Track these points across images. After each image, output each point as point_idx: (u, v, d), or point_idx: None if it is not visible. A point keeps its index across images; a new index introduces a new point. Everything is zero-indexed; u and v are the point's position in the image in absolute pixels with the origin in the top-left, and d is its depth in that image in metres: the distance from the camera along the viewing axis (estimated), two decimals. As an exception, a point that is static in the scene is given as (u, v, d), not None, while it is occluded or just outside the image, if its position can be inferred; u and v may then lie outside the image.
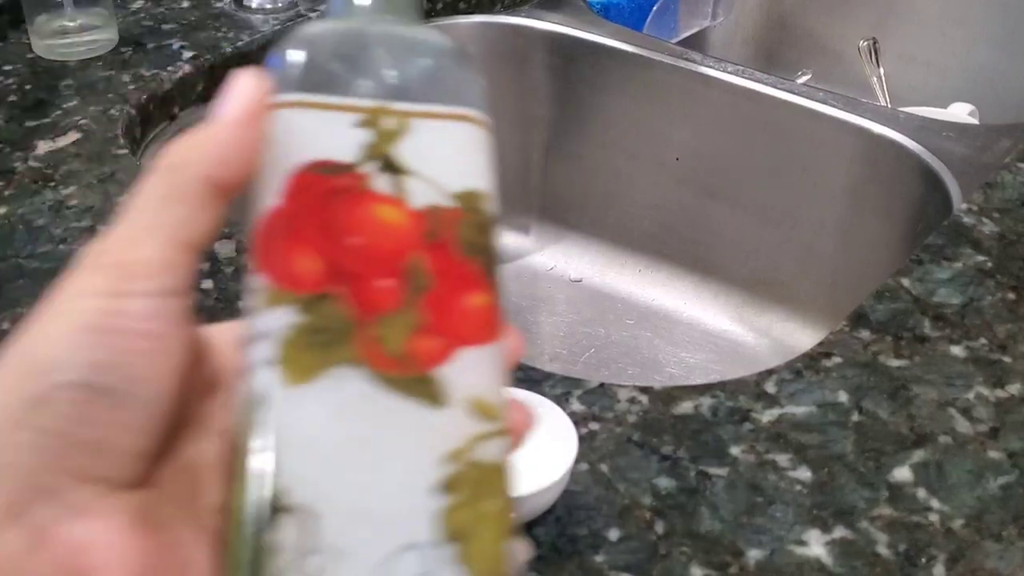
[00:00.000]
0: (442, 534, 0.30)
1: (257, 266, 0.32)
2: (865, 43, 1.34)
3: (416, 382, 0.31)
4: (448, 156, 0.34)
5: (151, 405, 0.30)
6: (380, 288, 0.32)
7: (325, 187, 0.33)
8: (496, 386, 0.32)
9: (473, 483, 0.31)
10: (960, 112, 1.26)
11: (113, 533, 0.29)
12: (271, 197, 0.32)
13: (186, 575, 0.30)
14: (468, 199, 0.34)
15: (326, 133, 0.33)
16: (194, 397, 0.33)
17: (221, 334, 0.35)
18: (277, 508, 0.29)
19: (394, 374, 0.31)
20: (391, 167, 0.33)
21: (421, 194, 0.33)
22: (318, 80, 0.34)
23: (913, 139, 1.00)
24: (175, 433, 0.32)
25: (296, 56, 0.34)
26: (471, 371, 0.32)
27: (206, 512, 0.32)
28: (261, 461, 0.29)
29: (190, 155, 0.32)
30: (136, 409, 0.29)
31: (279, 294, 0.31)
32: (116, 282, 0.30)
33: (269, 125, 0.33)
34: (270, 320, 0.31)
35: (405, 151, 0.34)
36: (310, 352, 0.30)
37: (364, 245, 0.32)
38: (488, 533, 0.30)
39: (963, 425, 0.65)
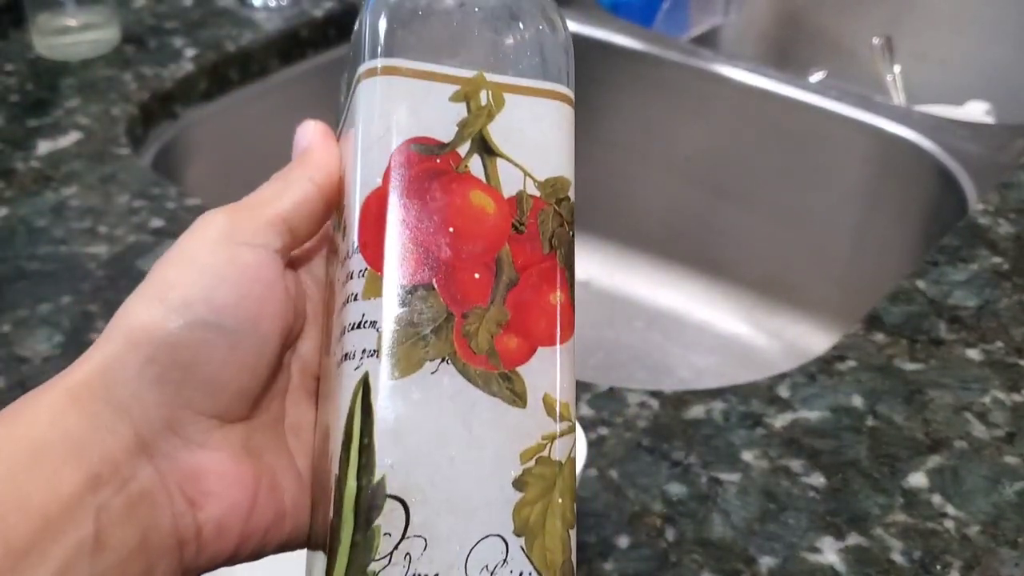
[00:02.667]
0: (515, 526, 0.33)
1: (359, 246, 0.34)
2: (879, 41, 1.33)
3: (501, 379, 0.34)
4: (538, 137, 0.36)
5: (261, 345, 0.34)
6: (471, 282, 0.34)
7: (421, 168, 0.35)
8: (569, 384, 0.35)
9: (544, 480, 0.33)
10: (976, 110, 1.25)
11: (225, 464, 0.34)
12: (371, 174, 0.35)
13: (277, 498, 0.35)
14: (553, 187, 0.36)
15: (423, 105, 0.35)
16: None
17: (310, 275, 0.39)
18: (381, 496, 0.32)
19: (482, 370, 0.34)
20: (485, 148, 0.35)
21: (511, 180, 0.35)
22: (414, 42, 0.36)
23: (928, 138, 0.99)
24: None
25: (392, 15, 0.36)
26: (548, 371, 0.34)
27: (290, 433, 0.37)
28: (368, 451, 0.32)
29: (301, 169, 0.37)
30: (249, 348, 0.34)
31: (378, 283, 0.34)
32: (232, 237, 0.34)
33: (367, 91, 0.35)
34: (370, 309, 0.33)
35: (498, 130, 0.35)
36: (409, 347, 0.33)
37: (459, 236, 0.34)
38: (553, 526, 0.33)
39: (979, 430, 0.64)
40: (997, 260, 0.79)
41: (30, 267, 0.75)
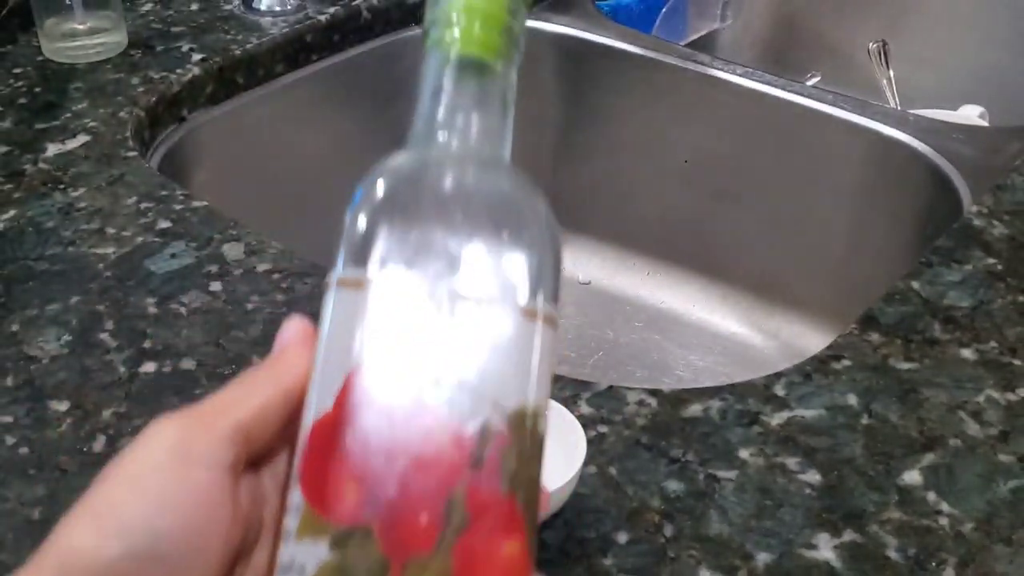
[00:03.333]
0: None
1: (299, 476, 0.32)
2: (875, 45, 1.34)
3: None
4: (510, 363, 0.32)
5: (203, 573, 0.32)
6: (415, 525, 0.30)
7: (377, 395, 0.31)
8: None
9: None
10: (970, 114, 1.25)
11: None
12: (324, 397, 0.32)
13: None
14: (521, 419, 0.32)
15: (390, 323, 0.32)
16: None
17: (272, 475, 0.36)
18: None
19: None
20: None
21: (474, 411, 0.31)
22: (390, 251, 0.33)
23: (923, 141, 0.99)
24: None
25: (372, 219, 0.33)
26: None
27: None
28: None
29: (269, 370, 0.35)
30: None
31: (314, 522, 0.31)
32: (182, 455, 0.32)
33: (335, 301, 0.33)
34: (302, 552, 0.31)
35: (466, 354, 0.32)
36: None
37: (407, 474, 0.31)
38: None
39: (973, 428, 0.64)
40: (991, 261, 0.79)
41: (39, 267, 0.76)
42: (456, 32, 0.37)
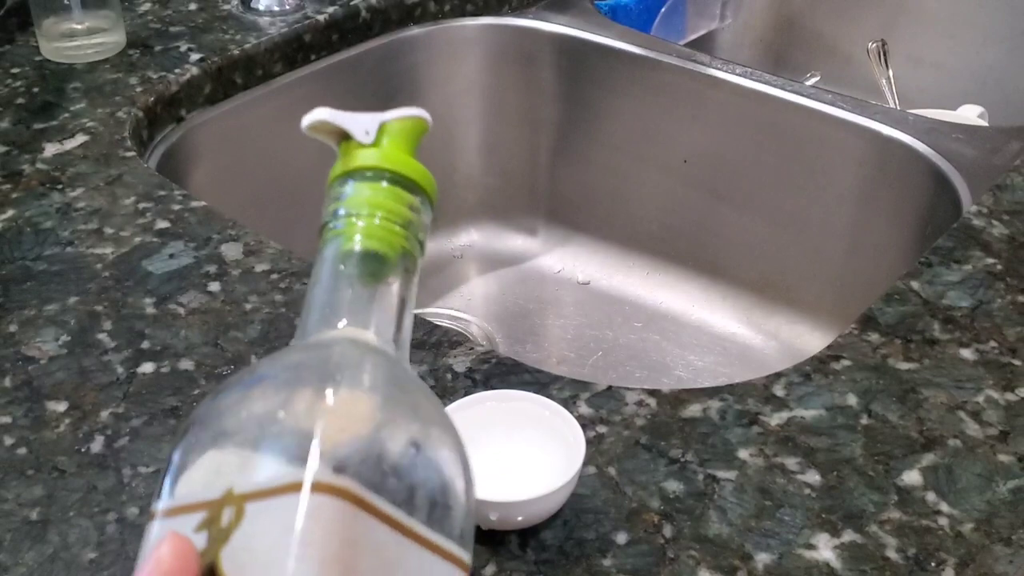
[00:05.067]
0: None
1: None
2: (874, 45, 1.34)
3: None
4: (276, 551, 0.27)
5: None
6: None
7: None
8: None
9: None
10: (969, 114, 1.25)
11: None
12: None
13: None
14: None
15: None
16: None
17: None
18: None
19: None
20: None
21: None
22: (187, 479, 0.30)
23: (922, 141, 1.00)
24: None
25: (182, 449, 0.31)
26: None
27: None
28: None
29: None
30: None
31: None
32: None
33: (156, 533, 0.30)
34: None
35: (233, 553, 0.27)
36: None
37: None
38: None
39: (973, 428, 0.64)
40: (991, 261, 0.79)
41: (37, 267, 0.76)
42: (357, 223, 0.37)
